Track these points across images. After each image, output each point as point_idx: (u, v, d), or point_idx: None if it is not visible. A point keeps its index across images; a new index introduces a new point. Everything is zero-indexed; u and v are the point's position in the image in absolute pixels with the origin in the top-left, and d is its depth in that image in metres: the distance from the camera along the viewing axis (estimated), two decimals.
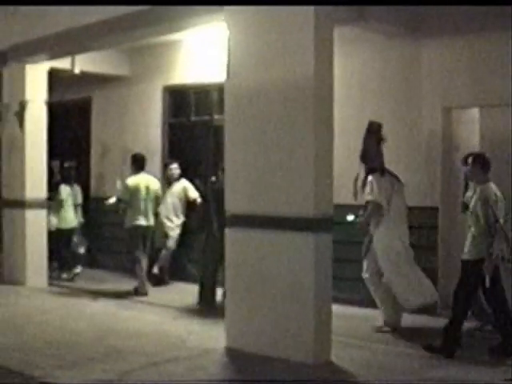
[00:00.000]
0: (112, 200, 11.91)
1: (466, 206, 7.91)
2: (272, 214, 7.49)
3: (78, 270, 13.07)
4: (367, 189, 8.83)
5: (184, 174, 12.43)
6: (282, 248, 7.40)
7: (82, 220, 13.71)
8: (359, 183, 8.91)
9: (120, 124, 14.23)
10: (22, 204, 12.29)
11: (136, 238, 11.51)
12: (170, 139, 13.49)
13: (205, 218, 10.69)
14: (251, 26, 7.75)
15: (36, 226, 12.35)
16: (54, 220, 12.98)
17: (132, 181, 11.54)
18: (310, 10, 7.18)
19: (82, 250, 13.55)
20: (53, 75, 12.68)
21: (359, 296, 9.68)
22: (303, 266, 7.23)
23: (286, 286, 7.35)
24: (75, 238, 13.48)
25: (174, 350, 7.78)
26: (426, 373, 6.99)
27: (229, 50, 7.94)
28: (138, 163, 11.67)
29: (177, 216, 12.28)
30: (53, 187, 13.10)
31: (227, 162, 8.04)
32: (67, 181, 13.51)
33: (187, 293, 10.82)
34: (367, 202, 8.86)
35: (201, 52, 12.54)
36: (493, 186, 7.73)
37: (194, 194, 12.06)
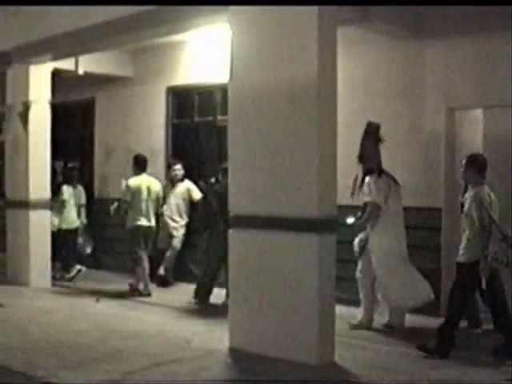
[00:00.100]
0: (114, 206, 12.01)
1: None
2: (275, 214, 7.49)
3: (76, 269, 13.09)
4: (365, 190, 8.88)
5: (188, 174, 12.43)
6: (285, 249, 7.39)
7: (85, 221, 13.72)
8: (358, 183, 8.95)
9: (123, 125, 14.24)
10: (25, 204, 12.31)
11: (137, 238, 11.53)
12: (174, 140, 13.49)
13: (208, 219, 10.72)
14: (254, 27, 7.75)
15: (40, 226, 12.37)
16: (55, 220, 12.99)
17: (133, 182, 11.57)
18: (313, 10, 7.17)
19: (88, 250, 13.56)
20: (56, 76, 12.70)
21: None
22: (307, 267, 7.23)
23: (289, 287, 7.35)
24: (80, 239, 13.50)
25: (178, 351, 7.78)
26: (429, 373, 6.97)
27: (232, 50, 7.94)
28: (140, 164, 11.70)
29: (181, 216, 12.29)
30: (55, 188, 13.11)
31: (231, 162, 8.04)
32: (69, 181, 13.53)
33: (190, 293, 10.80)
34: (365, 204, 8.89)
35: (204, 53, 12.54)
36: (487, 187, 7.73)
37: (197, 194, 12.06)
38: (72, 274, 13.00)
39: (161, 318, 9.67)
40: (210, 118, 12.85)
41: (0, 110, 13.71)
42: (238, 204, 7.94)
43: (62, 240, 13.02)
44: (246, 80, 7.81)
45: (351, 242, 9.16)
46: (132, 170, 11.80)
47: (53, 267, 12.70)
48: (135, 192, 11.48)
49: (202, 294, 10.62)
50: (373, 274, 8.91)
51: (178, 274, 12.42)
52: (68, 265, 13.25)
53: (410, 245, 9.02)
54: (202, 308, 10.37)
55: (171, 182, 12.37)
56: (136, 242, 11.53)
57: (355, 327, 8.93)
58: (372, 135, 8.95)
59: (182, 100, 13.43)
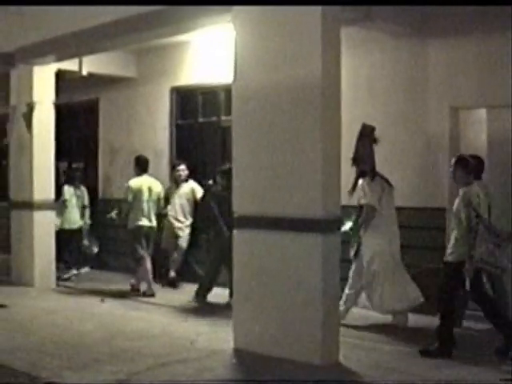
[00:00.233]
0: (113, 213, 12.07)
1: None
2: (280, 215, 7.49)
3: (72, 273, 13.17)
4: (360, 193, 8.94)
5: (192, 175, 12.43)
6: (289, 249, 7.39)
7: (89, 221, 13.74)
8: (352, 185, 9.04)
9: (127, 125, 14.25)
10: (30, 205, 12.33)
11: (139, 238, 11.59)
12: (178, 140, 13.50)
13: (207, 220, 10.83)
14: (258, 27, 7.75)
15: (44, 227, 12.39)
16: (57, 221, 13.00)
17: (135, 182, 11.62)
18: (317, 10, 7.17)
19: (95, 250, 13.58)
20: (60, 77, 12.72)
21: None
22: (311, 267, 7.23)
23: (293, 287, 7.35)
24: (85, 241, 13.51)
25: (182, 351, 7.78)
26: (433, 373, 6.97)
27: (236, 51, 7.95)
28: (141, 165, 11.76)
29: (185, 217, 12.29)
30: (58, 188, 13.13)
31: (235, 163, 8.04)
32: (71, 182, 13.55)
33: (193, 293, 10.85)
34: (361, 206, 8.93)
35: (208, 53, 12.54)
36: (476, 187, 7.76)
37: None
38: (67, 275, 13.08)
39: (165, 318, 9.67)
40: (214, 119, 12.85)
41: (4, 112, 13.74)
42: (242, 204, 7.94)
43: (64, 240, 13.03)
44: (249, 80, 7.81)
45: (349, 242, 9.19)
46: (133, 170, 11.83)
47: (57, 268, 12.72)
48: (136, 193, 11.53)
49: (200, 293, 10.72)
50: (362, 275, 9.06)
51: (182, 274, 12.41)
52: (71, 265, 13.31)
53: (413, 245, 9.04)
54: (203, 307, 10.39)
55: (175, 183, 12.37)
56: (137, 242, 11.57)
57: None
58: (367, 137, 9.00)
59: (186, 100, 13.43)
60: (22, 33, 11.99)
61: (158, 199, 11.86)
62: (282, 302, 7.45)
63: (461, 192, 7.66)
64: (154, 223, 11.76)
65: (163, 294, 11.45)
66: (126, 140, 14.23)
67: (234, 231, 8.02)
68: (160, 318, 9.66)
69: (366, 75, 10.37)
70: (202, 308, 10.37)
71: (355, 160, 8.96)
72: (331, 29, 7.33)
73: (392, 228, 9.06)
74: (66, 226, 13.22)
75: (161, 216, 12.18)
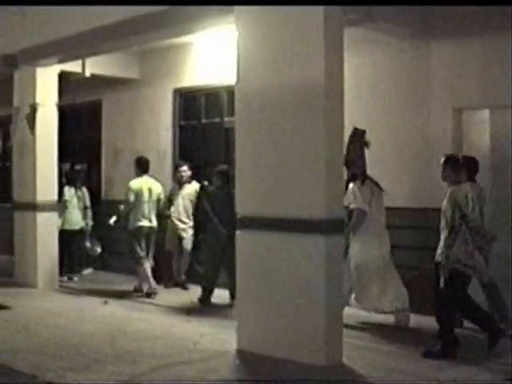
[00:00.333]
0: (112, 220, 12.14)
1: None
2: (283, 215, 7.49)
3: (68, 276, 13.21)
4: (350, 197, 9.01)
5: (195, 176, 12.42)
6: (292, 250, 7.39)
7: (91, 223, 13.75)
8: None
9: (130, 126, 14.25)
10: (33, 207, 12.34)
11: (139, 239, 11.64)
12: (181, 142, 13.50)
13: (205, 219, 10.97)
14: (261, 29, 7.75)
15: (47, 228, 12.42)
16: (58, 221, 12.99)
17: (135, 183, 11.67)
18: (319, 11, 7.17)
19: (98, 251, 13.57)
20: (63, 78, 12.73)
21: None
22: (314, 268, 7.22)
23: (297, 288, 7.35)
24: (88, 242, 13.52)
25: (186, 353, 7.78)
26: (435, 374, 6.97)
27: (238, 52, 7.95)
28: (142, 166, 11.82)
29: (188, 218, 12.28)
30: (61, 190, 13.15)
31: (238, 164, 8.04)
32: (72, 183, 13.56)
33: (197, 294, 10.84)
34: (351, 210, 8.98)
35: (211, 54, 12.54)
36: (466, 187, 7.80)
37: None
38: (69, 277, 13.16)
39: (168, 319, 9.68)
40: (217, 120, 12.85)
41: (7, 113, 13.75)
42: (244, 205, 7.94)
43: (65, 241, 13.02)
44: (252, 81, 7.82)
45: None
46: (134, 171, 11.86)
47: (60, 269, 12.74)
48: (137, 194, 11.57)
49: (203, 295, 10.78)
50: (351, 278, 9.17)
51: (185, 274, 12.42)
52: (74, 266, 13.35)
53: (416, 245, 9.03)
54: (207, 308, 10.39)
55: (178, 184, 12.36)
56: (137, 243, 11.62)
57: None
58: (358, 140, 9.04)
59: (189, 102, 13.44)
60: (24, 34, 12.01)
61: (158, 200, 11.89)
62: (285, 303, 7.45)
63: (448, 191, 7.69)
64: (155, 224, 11.80)
65: (166, 295, 11.45)
66: (128, 141, 14.24)
67: (237, 232, 8.02)
68: (163, 319, 9.67)
69: (369, 76, 10.36)
70: (205, 309, 10.37)
71: (346, 163, 8.99)
72: (334, 30, 7.33)
73: (381, 230, 9.16)
74: (67, 227, 13.23)
75: (164, 217, 12.20)
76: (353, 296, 9.23)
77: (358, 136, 9.03)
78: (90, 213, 13.77)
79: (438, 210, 8.09)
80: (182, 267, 12.27)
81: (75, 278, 13.20)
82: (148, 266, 11.56)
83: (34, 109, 12.30)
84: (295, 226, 7.36)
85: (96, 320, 9.57)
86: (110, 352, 7.81)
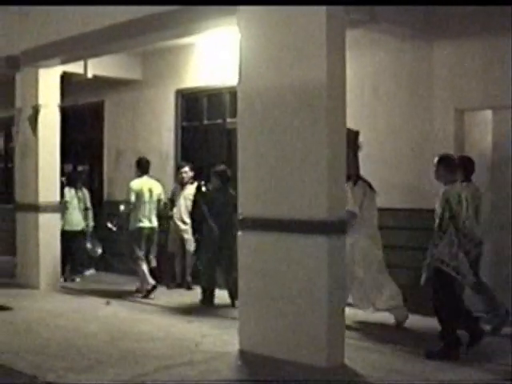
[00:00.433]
0: (112, 225, 12.21)
1: None
2: (285, 217, 7.48)
3: (72, 278, 13.23)
4: None
5: (197, 177, 12.42)
6: (295, 251, 7.38)
7: (92, 224, 13.76)
8: None
9: (133, 128, 14.26)
10: (35, 208, 12.35)
11: (139, 239, 11.71)
12: (183, 143, 13.51)
13: (199, 221, 11.02)
14: (263, 30, 7.75)
15: (49, 229, 12.42)
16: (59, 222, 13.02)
17: (136, 184, 11.74)
18: (322, 12, 7.17)
19: (98, 252, 13.57)
20: (65, 79, 12.73)
21: None
22: (316, 269, 7.22)
23: (299, 289, 7.34)
24: (88, 243, 13.52)
25: (187, 354, 7.78)
26: (437, 375, 6.97)
27: (241, 53, 7.95)
28: (142, 167, 11.89)
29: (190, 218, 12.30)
30: (63, 191, 13.18)
31: (240, 164, 8.03)
32: (72, 184, 13.56)
33: (200, 295, 10.85)
34: None
35: (213, 55, 12.55)
36: (458, 187, 7.83)
37: None
38: (70, 279, 13.20)
39: (170, 320, 9.67)
40: (220, 121, 12.85)
41: (10, 114, 13.76)
42: (247, 206, 7.93)
43: (66, 242, 13.01)
44: (254, 82, 7.82)
45: None
46: (134, 172, 11.90)
47: (62, 270, 12.76)
48: (137, 194, 11.64)
49: (204, 295, 10.84)
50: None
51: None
52: (76, 267, 13.36)
53: (419, 246, 9.02)
54: (209, 309, 10.40)
55: (180, 185, 12.37)
56: (136, 243, 11.68)
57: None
58: (351, 142, 9.03)
59: (191, 103, 13.44)
60: (27, 36, 12.03)
61: (159, 200, 11.94)
62: (287, 304, 7.44)
63: (440, 191, 7.71)
64: (155, 224, 11.86)
65: (168, 296, 11.46)
66: (131, 142, 14.24)
67: (239, 233, 8.02)
68: (165, 320, 9.66)
69: (371, 77, 10.36)
70: (207, 310, 10.37)
71: None
72: (336, 30, 7.33)
73: (374, 231, 9.22)
74: (68, 228, 13.23)
75: (166, 218, 12.21)
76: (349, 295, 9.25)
77: (352, 137, 9.02)
78: (90, 214, 13.79)
79: None
80: (187, 268, 12.26)
81: (77, 279, 13.22)
82: (145, 266, 11.59)
83: (36, 110, 12.30)
84: (297, 226, 7.35)
85: (98, 321, 9.58)
86: (112, 353, 7.81)
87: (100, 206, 14.48)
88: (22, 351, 7.85)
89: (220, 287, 10.88)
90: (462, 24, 9.49)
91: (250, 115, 7.89)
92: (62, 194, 13.14)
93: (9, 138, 16.38)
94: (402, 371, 7.08)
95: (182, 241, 12.25)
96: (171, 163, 13.42)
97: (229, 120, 12.49)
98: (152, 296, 11.34)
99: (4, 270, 13.92)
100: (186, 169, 12.29)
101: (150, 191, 11.76)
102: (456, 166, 7.97)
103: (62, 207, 13.06)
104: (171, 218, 12.26)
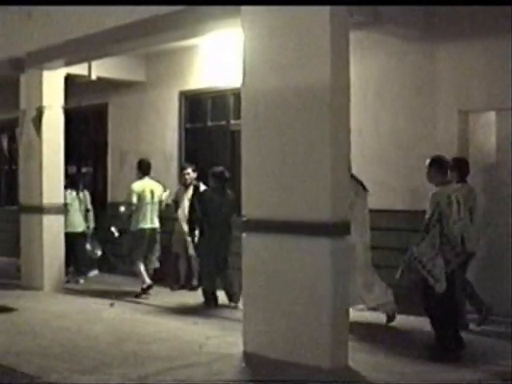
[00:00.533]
0: (115, 230, 12.30)
1: None
2: (289, 218, 7.48)
3: (75, 280, 13.26)
4: None
5: (201, 178, 12.42)
6: (298, 253, 7.38)
7: (92, 225, 13.76)
8: None
9: (136, 129, 14.27)
10: (39, 209, 12.37)
11: (140, 241, 11.74)
12: (187, 144, 13.51)
13: (195, 222, 11.10)
14: (267, 31, 7.75)
15: (53, 231, 12.45)
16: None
17: (137, 186, 11.78)
18: (325, 14, 7.16)
19: (98, 253, 13.58)
20: (69, 81, 12.76)
21: None
22: (320, 271, 7.22)
23: (303, 291, 7.34)
24: (88, 245, 13.52)
25: (192, 355, 7.78)
26: (441, 376, 6.97)
27: (245, 55, 7.95)
28: (143, 168, 11.93)
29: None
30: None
31: (244, 166, 8.04)
32: (73, 186, 13.56)
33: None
34: None
35: (217, 57, 12.56)
36: (449, 188, 7.89)
37: None
38: (74, 280, 13.23)
39: (174, 321, 9.67)
40: (223, 122, 12.86)
41: (14, 116, 13.77)
42: (250, 208, 7.93)
43: (68, 244, 13.02)
44: (258, 84, 7.81)
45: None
46: (136, 174, 11.95)
47: (65, 271, 12.77)
48: (139, 196, 11.69)
49: (205, 297, 10.87)
50: None
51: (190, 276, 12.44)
52: (79, 268, 13.38)
53: None
54: (214, 311, 10.40)
55: (184, 186, 12.37)
56: (137, 244, 11.73)
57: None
58: None
59: (195, 104, 13.45)
60: (31, 38, 12.04)
61: (160, 201, 11.99)
62: (291, 306, 7.44)
63: (430, 193, 7.75)
64: (157, 225, 11.90)
65: (172, 298, 11.47)
66: (134, 144, 14.25)
67: (243, 235, 8.01)
68: (169, 322, 9.66)
69: (374, 79, 10.35)
70: (211, 311, 10.37)
71: None
72: (340, 31, 7.33)
73: (364, 230, 9.25)
74: (69, 230, 13.22)
75: (171, 219, 12.21)
76: None
77: None
78: (91, 215, 13.79)
79: None
80: (194, 272, 12.25)
81: (81, 281, 13.22)
82: (142, 265, 11.65)
83: (40, 112, 12.33)
84: (301, 228, 7.35)
85: (102, 322, 9.58)
86: (116, 354, 7.81)
87: (104, 208, 14.49)
88: (25, 352, 7.86)
89: (219, 288, 10.89)
90: (465, 25, 9.48)
91: (254, 117, 7.89)
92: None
93: (13, 140, 16.37)
94: (407, 373, 7.07)
95: (186, 242, 12.26)
96: (175, 165, 13.43)
97: (232, 122, 12.50)
98: (145, 296, 11.40)
99: (8, 271, 13.96)
100: (189, 170, 12.28)
101: (152, 192, 11.80)
102: (447, 168, 8.03)
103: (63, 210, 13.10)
104: (176, 219, 12.25)
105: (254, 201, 7.90)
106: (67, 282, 12.81)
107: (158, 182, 12.08)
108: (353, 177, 9.12)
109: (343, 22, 7.39)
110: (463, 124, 9.73)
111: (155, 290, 11.73)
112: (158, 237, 11.94)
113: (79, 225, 13.48)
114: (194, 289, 12.04)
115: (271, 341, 7.63)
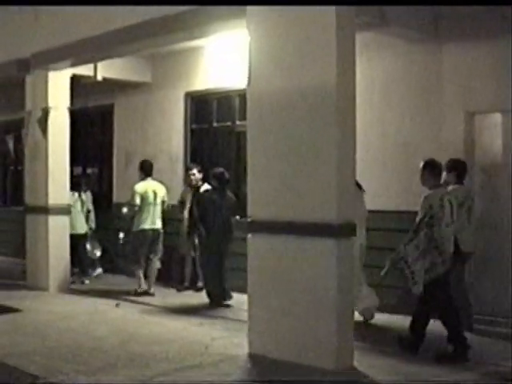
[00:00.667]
0: (121, 238, 12.42)
1: None
2: (294, 219, 7.48)
3: (88, 281, 13.32)
4: None
5: (206, 179, 12.42)
6: (304, 254, 7.37)
7: (93, 226, 13.77)
8: None
9: (142, 130, 14.28)
10: (45, 210, 12.38)
11: (142, 241, 11.81)
12: (193, 145, 13.51)
13: (193, 224, 11.24)
14: (273, 32, 7.75)
15: (58, 231, 12.46)
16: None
17: (140, 187, 11.85)
18: (331, 15, 7.16)
19: (97, 254, 13.59)
20: (75, 82, 12.77)
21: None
22: (325, 272, 7.21)
23: (308, 292, 7.33)
24: (88, 245, 13.51)
25: (197, 356, 7.78)
26: (446, 377, 6.97)
27: (250, 55, 7.94)
28: (145, 169, 12.02)
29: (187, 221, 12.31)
30: None
31: (250, 167, 8.03)
32: (75, 188, 13.56)
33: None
34: None
35: (223, 58, 12.56)
36: (442, 190, 7.91)
37: None
38: (79, 281, 13.24)
39: (180, 323, 9.66)
40: (229, 123, 12.86)
41: (19, 117, 13.79)
42: (256, 209, 7.93)
43: (71, 245, 13.01)
44: (264, 85, 7.81)
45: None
46: (138, 175, 11.99)
47: (72, 272, 12.79)
48: (142, 196, 11.75)
49: (212, 296, 10.93)
50: None
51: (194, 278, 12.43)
52: (84, 269, 13.40)
53: None
54: (219, 312, 10.40)
55: (189, 187, 12.37)
56: (139, 245, 11.79)
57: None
58: None
59: (201, 105, 13.44)
60: (37, 38, 12.06)
61: (163, 202, 12.02)
62: (296, 307, 7.44)
63: (422, 196, 7.78)
64: (159, 226, 11.95)
65: (178, 299, 11.47)
66: (140, 145, 14.27)
67: (248, 236, 8.00)
68: (174, 323, 9.66)
69: (380, 80, 10.34)
70: (217, 312, 10.36)
71: None
72: (346, 32, 7.32)
73: (361, 230, 9.13)
74: (72, 232, 13.20)
75: (177, 220, 12.21)
76: None
77: None
78: (92, 216, 13.80)
79: None
80: (199, 272, 12.24)
81: (86, 281, 13.23)
82: (142, 270, 11.74)
83: (46, 112, 12.35)
84: (306, 229, 7.35)
85: (107, 323, 9.59)
86: (122, 355, 7.81)
87: (109, 208, 14.50)
88: (30, 353, 7.87)
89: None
90: (471, 26, 9.46)
91: (260, 118, 7.89)
92: None
93: (19, 141, 16.39)
94: (412, 374, 7.08)
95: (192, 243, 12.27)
96: (180, 166, 13.43)
97: (238, 122, 12.50)
98: (140, 299, 11.40)
99: (14, 271, 13.98)
100: (194, 171, 12.27)
101: (155, 193, 11.87)
102: (440, 171, 8.07)
103: None
104: (181, 220, 12.25)
105: (260, 202, 7.90)
106: (72, 282, 12.82)
107: (161, 182, 12.10)
108: None
109: (349, 22, 7.38)
110: (469, 125, 9.71)
111: (161, 290, 11.76)
112: (160, 238, 11.95)
113: (81, 226, 13.47)
114: (199, 290, 12.03)
115: (276, 342, 7.63)
